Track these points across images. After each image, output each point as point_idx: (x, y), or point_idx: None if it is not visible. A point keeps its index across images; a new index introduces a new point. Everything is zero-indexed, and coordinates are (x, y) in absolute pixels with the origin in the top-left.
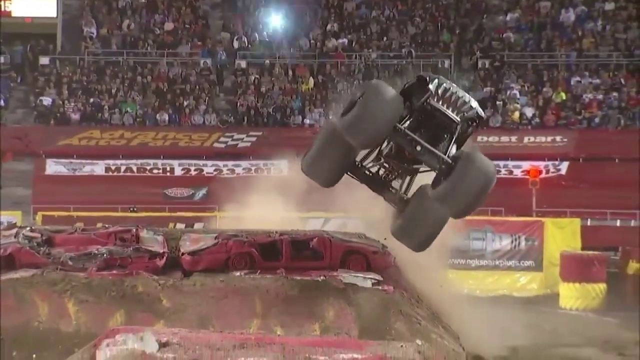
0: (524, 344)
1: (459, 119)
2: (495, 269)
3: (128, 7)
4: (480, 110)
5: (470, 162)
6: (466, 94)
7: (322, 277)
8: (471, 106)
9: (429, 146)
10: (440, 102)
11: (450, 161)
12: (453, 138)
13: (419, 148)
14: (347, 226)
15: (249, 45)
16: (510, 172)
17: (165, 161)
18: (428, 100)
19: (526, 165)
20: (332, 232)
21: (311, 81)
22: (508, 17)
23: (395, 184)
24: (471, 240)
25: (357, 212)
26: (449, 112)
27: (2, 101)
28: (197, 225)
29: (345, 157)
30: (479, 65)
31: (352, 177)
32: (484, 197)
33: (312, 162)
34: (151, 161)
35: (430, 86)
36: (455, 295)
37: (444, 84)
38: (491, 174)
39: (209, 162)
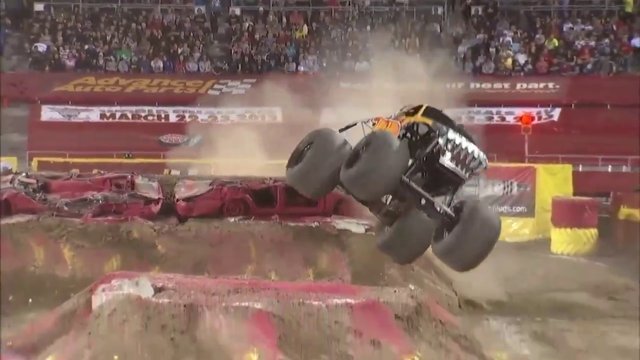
0: (516, 288)
1: (467, 177)
2: None
3: None
4: (486, 163)
5: (474, 217)
6: (475, 147)
7: (315, 223)
8: (480, 162)
9: (433, 199)
10: (450, 159)
11: (453, 215)
12: (456, 190)
13: (423, 201)
14: None
15: None
16: (503, 119)
17: (160, 108)
18: (438, 158)
19: (519, 111)
20: None
21: (305, 28)
22: None
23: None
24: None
25: None
26: (459, 170)
27: None
28: (192, 172)
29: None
30: (472, 12)
31: (341, 188)
32: (489, 251)
33: (302, 177)
34: (146, 108)
35: (440, 141)
36: None
37: (454, 140)
38: (497, 228)
39: (204, 109)
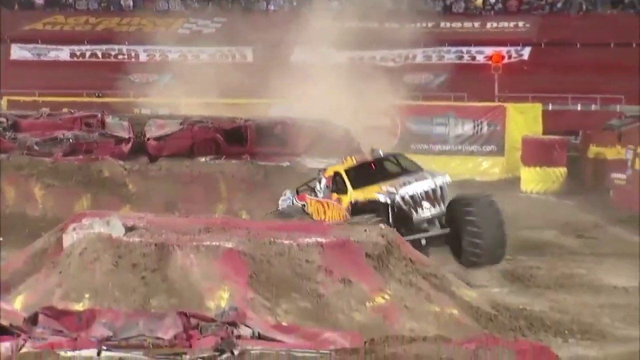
0: None
1: (444, 209)
2: (457, 154)
3: None
4: (448, 179)
5: (466, 220)
6: (428, 181)
7: (286, 163)
8: (443, 187)
9: (430, 234)
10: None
11: (448, 230)
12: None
13: (423, 242)
14: (312, 113)
15: None
16: (473, 58)
17: (130, 47)
18: (412, 216)
19: (489, 50)
20: (296, 119)
21: None
22: None
23: None
24: (434, 126)
25: (322, 99)
26: (435, 210)
27: None
28: (162, 111)
29: None
30: None
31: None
32: (504, 232)
33: None
34: (116, 47)
35: (397, 199)
36: None
37: (408, 193)
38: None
39: (174, 48)
